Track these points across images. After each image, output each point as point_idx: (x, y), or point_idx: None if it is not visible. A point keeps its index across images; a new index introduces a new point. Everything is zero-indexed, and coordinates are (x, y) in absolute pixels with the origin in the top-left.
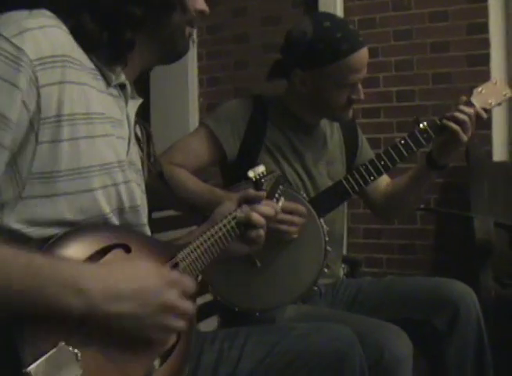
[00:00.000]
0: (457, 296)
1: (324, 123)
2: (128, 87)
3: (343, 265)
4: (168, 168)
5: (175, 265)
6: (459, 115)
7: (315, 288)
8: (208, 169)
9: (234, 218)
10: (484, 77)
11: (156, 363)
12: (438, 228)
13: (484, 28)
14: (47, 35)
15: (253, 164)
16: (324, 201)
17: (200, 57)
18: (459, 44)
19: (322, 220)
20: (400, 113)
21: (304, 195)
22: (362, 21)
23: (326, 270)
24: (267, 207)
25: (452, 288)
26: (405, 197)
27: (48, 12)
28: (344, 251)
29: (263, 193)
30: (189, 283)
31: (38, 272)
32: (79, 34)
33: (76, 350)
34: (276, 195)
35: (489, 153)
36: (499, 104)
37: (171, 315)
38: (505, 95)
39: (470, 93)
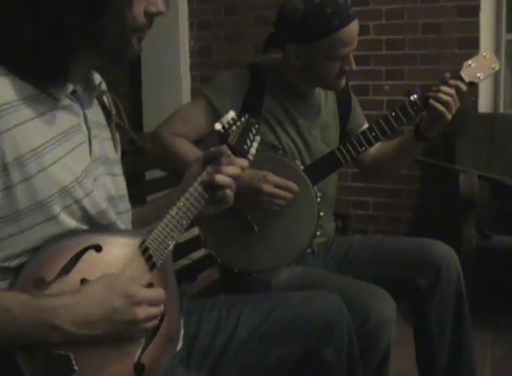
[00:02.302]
0: (439, 257)
1: (319, 90)
2: (80, 91)
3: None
4: (170, 138)
5: (145, 250)
6: (443, 96)
7: (309, 250)
8: None
9: (200, 183)
10: (474, 23)
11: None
12: (423, 174)
13: None
14: None
15: None
16: (318, 170)
17: (191, 27)
18: None
19: (315, 187)
20: (389, 61)
21: (299, 163)
22: None
23: (318, 233)
24: (231, 167)
25: (435, 250)
26: (391, 163)
27: None
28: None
29: (225, 149)
30: (157, 296)
31: (16, 316)
32: (11, 63)
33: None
34: (248, 141)
35: (475, 104)
36: (488, 77)
37: (145, 324)
38: (493, 68)
39: (460, 67)
